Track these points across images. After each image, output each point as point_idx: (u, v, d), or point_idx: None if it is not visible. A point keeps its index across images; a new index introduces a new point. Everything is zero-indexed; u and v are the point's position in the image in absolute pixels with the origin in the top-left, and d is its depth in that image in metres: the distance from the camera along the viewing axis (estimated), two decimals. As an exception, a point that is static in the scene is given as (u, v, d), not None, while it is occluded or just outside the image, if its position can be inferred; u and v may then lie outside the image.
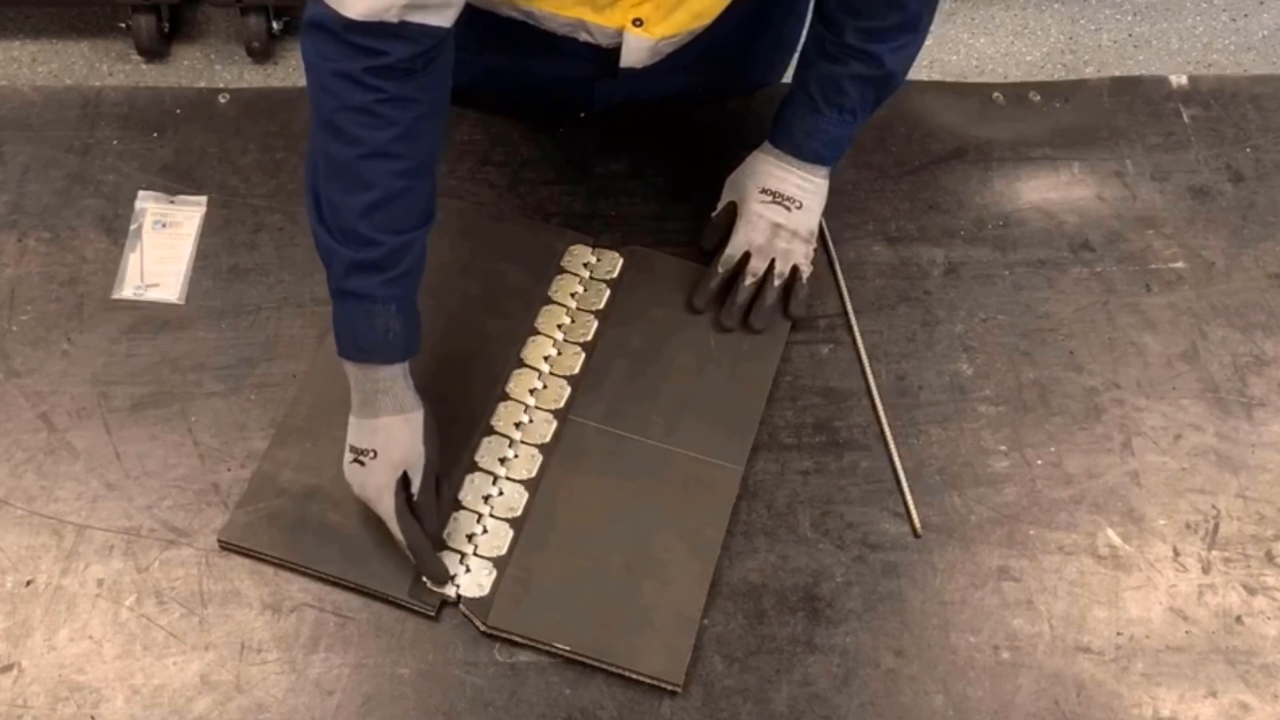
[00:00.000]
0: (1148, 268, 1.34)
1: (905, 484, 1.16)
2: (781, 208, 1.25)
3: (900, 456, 1.18)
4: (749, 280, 1.25)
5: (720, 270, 1.26)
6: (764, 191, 1.25)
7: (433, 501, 1.09)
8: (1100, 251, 1.35)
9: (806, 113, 1.24)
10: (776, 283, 1.25)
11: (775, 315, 1.25)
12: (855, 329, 1.25)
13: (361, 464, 1.07)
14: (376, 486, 1.07)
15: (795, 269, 1.26)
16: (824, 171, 1.27)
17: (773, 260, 1.26)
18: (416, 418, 1.08)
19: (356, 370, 1.06)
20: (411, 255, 1.05)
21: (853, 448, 1.19)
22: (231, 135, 1.37)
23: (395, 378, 1.07)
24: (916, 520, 1.14)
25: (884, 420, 1.20)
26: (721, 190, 1.31)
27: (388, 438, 1.07)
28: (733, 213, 1.28)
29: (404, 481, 1.07)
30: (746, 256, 1.26)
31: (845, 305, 1.27)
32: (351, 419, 1.08)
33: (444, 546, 1.09)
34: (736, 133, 1.41)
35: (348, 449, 1.08)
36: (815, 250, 1.28)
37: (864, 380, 1.23)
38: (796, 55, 1.30)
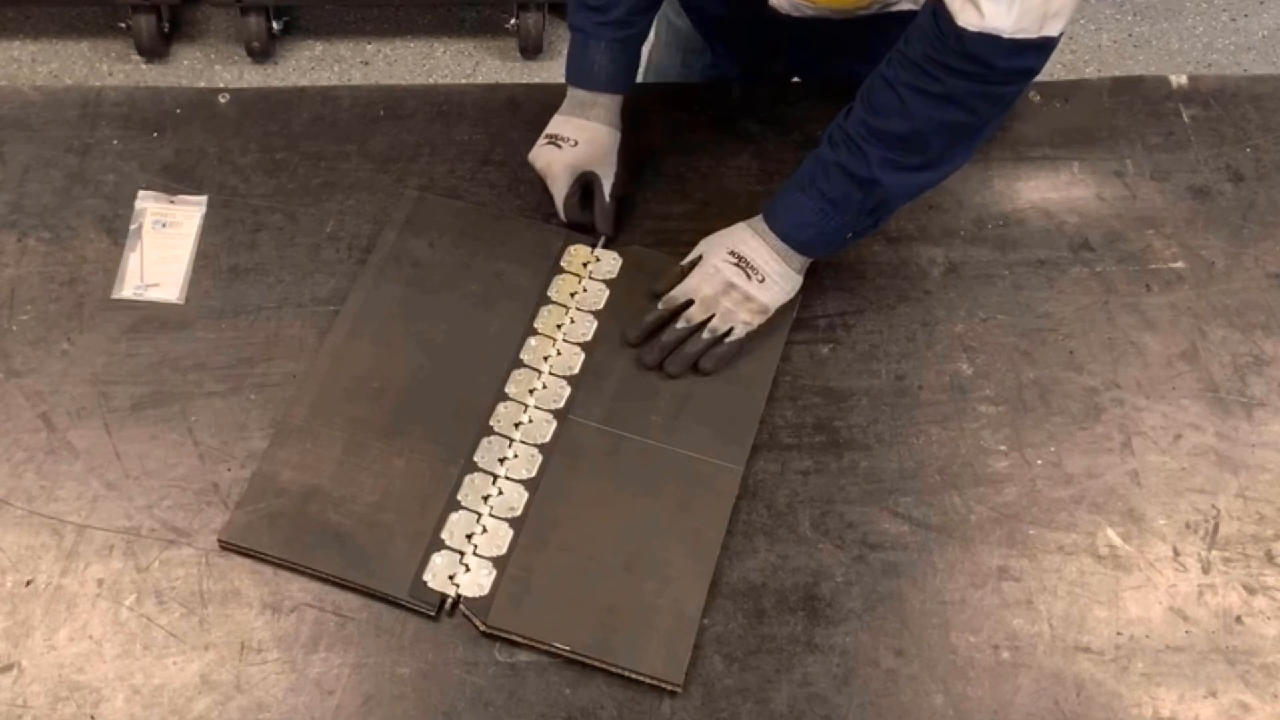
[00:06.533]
0: (1148, 268, 1.33)
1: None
2: (742, 272, 1.20)
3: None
4: (681, 324, 1.21)
5: (660, 307, 1.22)
6: (731, 253, 1.21)
7: (608, 211, 1.29)
8: (1100, 251, 1.34)
9: (793, 188, 1.19)
10: (706, 334, 1.20)
11: (688, 365, 1.21)
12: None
13: (558, 146, 1.27)
14: (565, 164, 1.27)
15: (730, 330, 1.21)
16: (800, 262, 1.21)
17: (712, 315, 1.21)
18: (617, 137, 1.30)
19: (573, 90, 1.29)
20: (625, 5, 1.25)
21: (853, 448, 1.19)
22: (231, 135, 1.38)
23: (610, 104, 1.29)
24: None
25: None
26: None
27: (593, 137, 1.28)
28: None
29: (583, 182, 1.28)
30: (689, 303, 1.22)
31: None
32: (557, 117, 1.29)
33: (443, 547, 1.10)
34: (736, 133, 1.41)
35: (544, 137, 1.28)
36: (760, 329, 1.22)
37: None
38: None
